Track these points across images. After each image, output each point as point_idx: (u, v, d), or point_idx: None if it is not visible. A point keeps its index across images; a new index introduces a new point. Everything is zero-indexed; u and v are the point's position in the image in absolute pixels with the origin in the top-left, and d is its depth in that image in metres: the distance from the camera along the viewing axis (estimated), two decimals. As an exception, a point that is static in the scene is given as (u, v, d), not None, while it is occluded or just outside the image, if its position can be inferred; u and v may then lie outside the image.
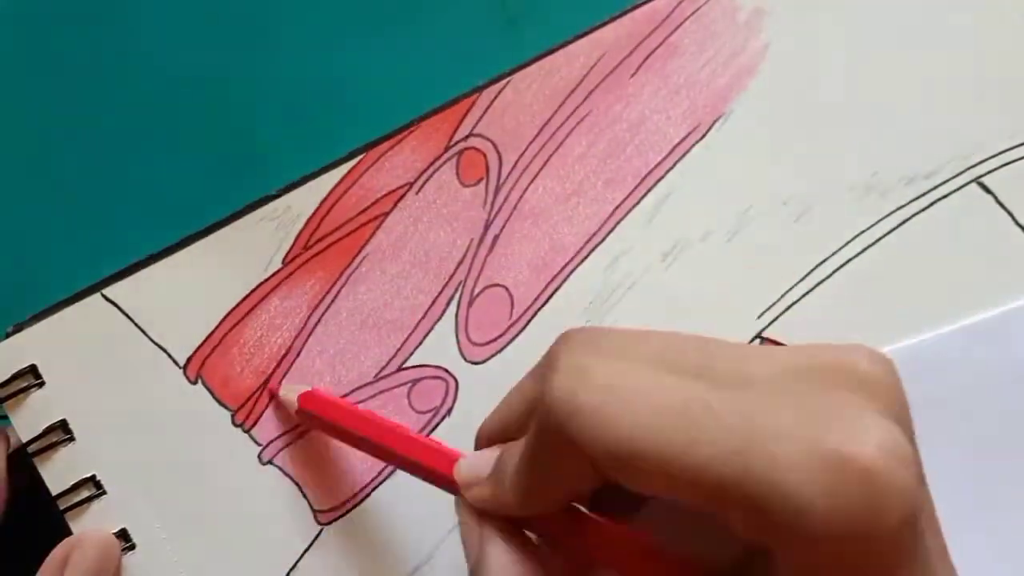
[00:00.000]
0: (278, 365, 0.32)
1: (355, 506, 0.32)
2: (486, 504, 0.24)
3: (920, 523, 0.18)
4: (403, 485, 0.32)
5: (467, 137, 0.32)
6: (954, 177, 0.32)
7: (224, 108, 0.34)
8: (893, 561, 0.18)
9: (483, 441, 0.26)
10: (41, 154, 0.34)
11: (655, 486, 0.19)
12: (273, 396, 0.31)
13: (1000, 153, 0.32)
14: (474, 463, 0.25)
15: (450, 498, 0.31)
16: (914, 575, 0.18)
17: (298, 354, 0.32)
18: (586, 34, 0.32)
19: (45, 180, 0.34)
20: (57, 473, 0.31)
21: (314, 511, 0.32)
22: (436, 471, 0.26)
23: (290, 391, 0.31)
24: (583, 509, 0.23)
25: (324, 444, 0.32)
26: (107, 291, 0.31)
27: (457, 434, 0.32)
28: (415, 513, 0.32)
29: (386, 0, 0.34)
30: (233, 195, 0.31)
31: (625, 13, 0.32)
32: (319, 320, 0.32)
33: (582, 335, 0.22)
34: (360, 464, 0.32)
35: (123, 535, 0.31)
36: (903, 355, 0.31)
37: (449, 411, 0.32)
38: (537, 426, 0.21)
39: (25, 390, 0.31)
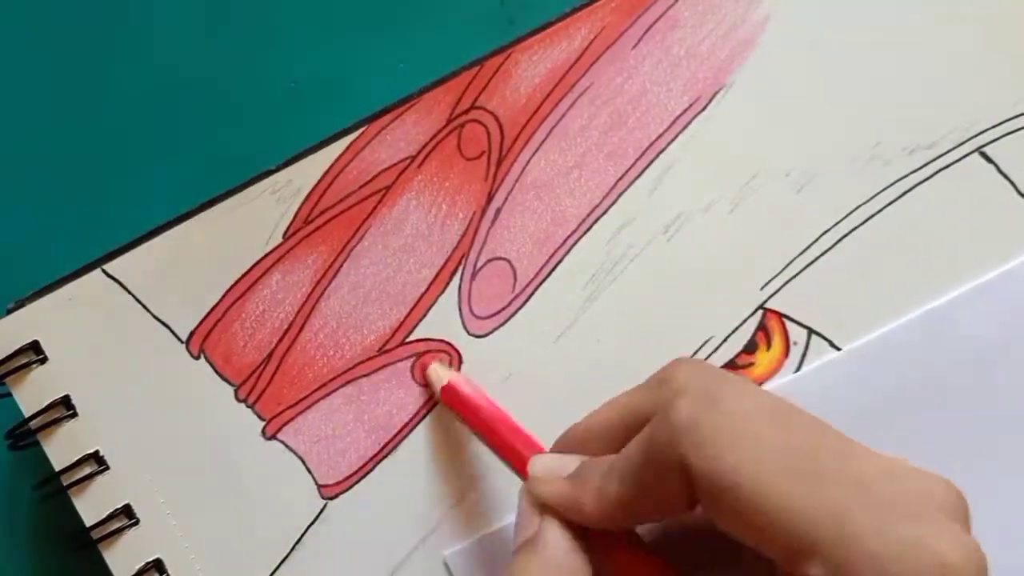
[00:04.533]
0: (281, 340, 0.31)
1: (359, 480, 0.32)
2: (556, 501, 0.25)
3: None
4: (407, 459, 0.32)
5: (468, 110, 0.32)
6: (956, 147, 0.32)
7: (225, 94, 0.34)
8: None
9: (565, 445, 0.27)
10: (42, 130, 0.34)
11: (745, 526, 0.20)
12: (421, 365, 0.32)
13: (1002, 123, 0.32)
14: (551, 463, 0.26)
15: (457, 469, 0.31)
16: None
17: (301, 328, 0.32)
18: (587, 6, 0.32)
19: (46, 156, 0.34)
20: (60, 449, 0.31)
21: (318, 485, 0.32)
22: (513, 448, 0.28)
23: (437, 376, 0.31)
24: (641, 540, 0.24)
25: (328, 418, 0.32)
26: (108, 267, 0.31)
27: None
28: (419, 486, 0.32)
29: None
30: (234, 171, 0.31)
31: (626, -15, 0.32)
32: (322, 294, 0.32)
33: (706, 366, 0.24)
34: (364, 439, 0.32)
35: (127, 510, 0.31)
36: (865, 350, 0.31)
37: (452, 385, 0.32)
38: (648, 441, 0.22)
39: (27, 366, 0.31)
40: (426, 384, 0.32)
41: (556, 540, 0.24)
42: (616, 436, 0.25)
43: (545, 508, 0.25)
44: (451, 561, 0.31)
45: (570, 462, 0.25)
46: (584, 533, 0.24)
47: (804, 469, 0.20)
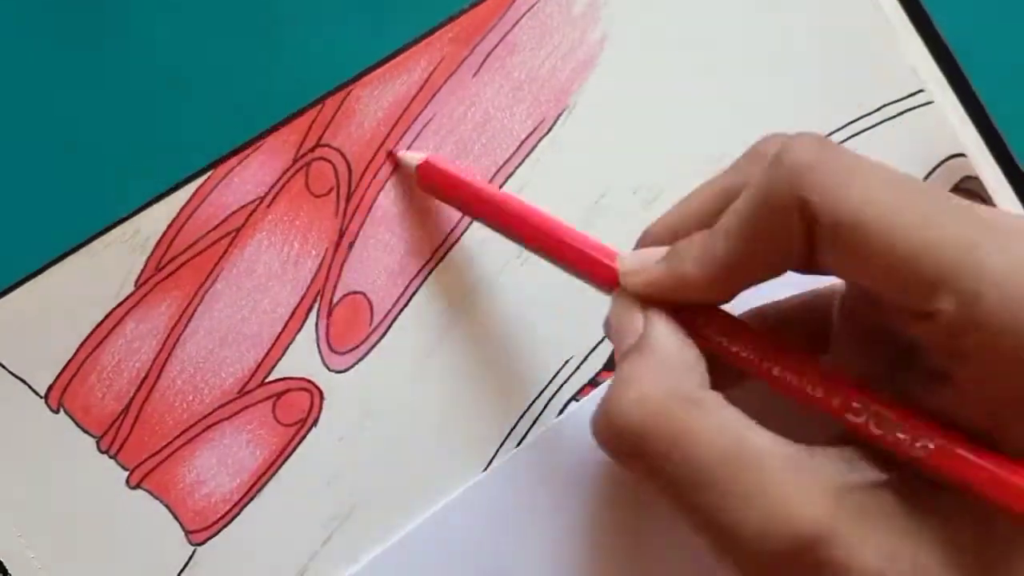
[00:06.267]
0: (139, 389, 0.32)
1: (227, 524, 0.32)
2: (653, 287, 0.23)
3: None
4: (274, 499, 0.32)
5: (314, 148, 0.32)
6: (799, 153, 0.32)
7: (68, 130, 0.34)
8: None
9: (651, 240, 0.25)
10: None
11: (870, 265, 0.19)
12: (393, 160, 0.31)
13: (844, 126, 0.32)
14: (640, 254, 0.24)
15: (325, 505, 0.31)
16: None
17: (158, 376, 0.32)
18: (423, 38, 0.32)
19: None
20: (-77, 512, 0.31)
21: (186, 532, 0.32)
22: (589, 255, 0.26)
23: (409, 158, 0.30)
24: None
25: (192, 464, 0.32)
26: (-37, 327, 0.31)
27: (325, 445, 0.32)
28: (288, 525, 0.32)
29: (236, 16, 0.34)
30: (83, 222, 0.31)
31: (462, 13, 0.32)
32: (177, 340, 0.32)
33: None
34: (229, 482, 0.32)
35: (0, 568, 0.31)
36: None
37: (316, 421, 0.32)
38: (761, 189, 0.21)
39: None
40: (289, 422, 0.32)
41: (666, 336, 0.23)
42: (712, 217, 0.23)
43: (646, 304, 0.23)
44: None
45: (656, 251, 0.24)
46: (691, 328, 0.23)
47: (930, 207, 0.19)
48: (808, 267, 0.21)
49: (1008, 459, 0.19)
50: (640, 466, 0.21)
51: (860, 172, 0.20)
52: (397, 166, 0.31)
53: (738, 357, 0.23)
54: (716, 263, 0.22)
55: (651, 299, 0.23)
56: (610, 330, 0.25)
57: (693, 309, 0.23)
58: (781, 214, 0.20)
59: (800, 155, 0.20)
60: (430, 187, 0.30)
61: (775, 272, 0.22)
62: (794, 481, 0.20)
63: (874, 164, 0.20)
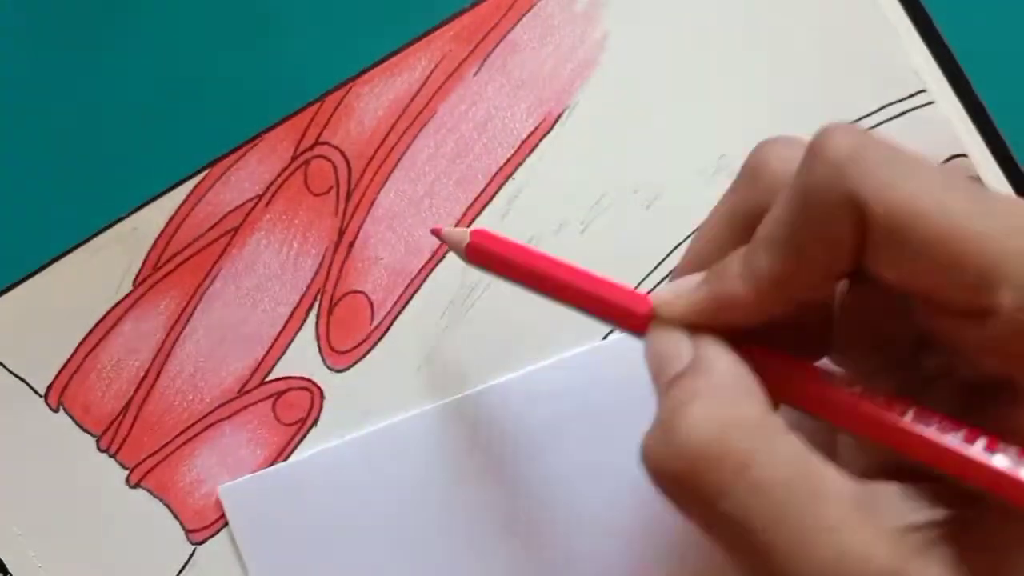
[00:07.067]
0: (138, 388, 0.31)
1: (227, 523, 0.32)
2: (695, 313, 0.21)
3: None
4: (274, 498, 0.32)
5: (313, 146, 0.32)
6: (800, 154, 0.32)
7: (67, 130, 0.33)
8: None
9: (681, 274, 0.23)
10: None
11: (928, 261, 0.18)
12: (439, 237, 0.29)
13: (845, 127, 0.32)
14: (675, 284, 0.22)
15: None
16: None
17: (158, 375, 0.32)
18: (424, 36, 0.32)
19: None
20: (-78, 511, 0.31)
21: (186, 531, 0.32)
22: (619, 305, 0.23)
23: (457, 233, 0.27)
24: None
25: (192, 463, 0.32)
26: (-39, 325, 0.31)
27: (325, 444, 0.32)
28: (287, 525, 0.32)
29: (234, 13, 0.34)
30: (80, 222, 0.31)
31: (463, 12, 0.32)
32: (176, 340, 0.32)
33: None
34: (230, 481, 0.32)
35: (0, 566, 0.31)
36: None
37: (316, 420, 0.32)
38: (801, 190, 0.19)
39: None
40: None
41: (722, 360, 0.20)
42: (737, 235, 0.21)
43: (695, 330, 0.21)
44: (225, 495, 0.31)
45: (693, 278, 0.22)
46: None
47: (979, 195, 0.18)
48: (856, 271, 0.20)
49: None
50: (699, 500, 0.19)
51: (903, 161, 0.19)
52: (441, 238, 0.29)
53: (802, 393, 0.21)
54: (762, 276, 0.20)
55: (695, 328, 0.21)
56: (651, 365, 0.22)
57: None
58: (828, 211, 0.19)
59: (840, 147, 0.19)
60: (479, 260, 0.27)
61: (824, 281, 0.20)
62: (866, 518, 0.18)
63: (910, 152, 0.19)
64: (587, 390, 0.31)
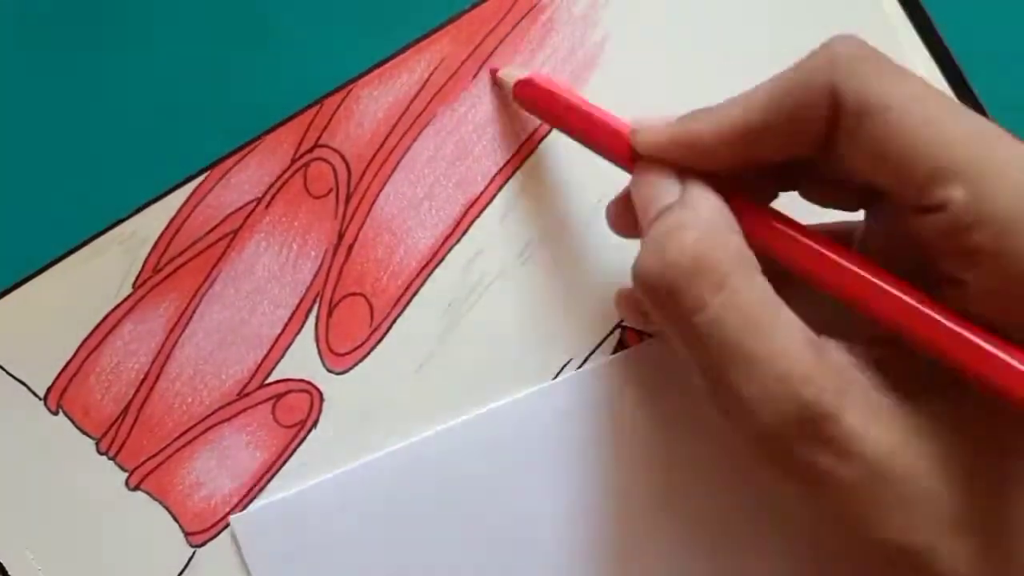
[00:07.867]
0: (137, 390, 0.31)
1: (227, 526, 0.32)
2: (661, 145, 0.23)
3: None
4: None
5: (312, 149, 0.32)
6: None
7: (66, 132, 0.33)
8: None
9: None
10: None
11: (887, 150, 0.20)
12: (494, 76, 0.32)
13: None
14: (654, 116, 0.24)
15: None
16: None
17: (157, 378, 0.32)
18: (424, 38, 0.32)
19: None
20: (-79, 514, 0.31)
21: (186, 533, 0.32)
22: (609, 128, 0.26)
23: (508, 75, 0.30)
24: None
25: (192, 466, 0.32)
26: (-39, 328, 0.31)
27: (325, 446, 0.32)
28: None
29: (234, 15, 0.34)
30: (79, 224, 0.31)
31: (463, 14, 0.32)
32: (176, 342, 0.32)
33: None
34: (229, 484, 0.32)
35: (-1, 570, 0.31)
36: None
37: (315, 423, 0.32)
38: (796, 69, 0.22)
39: None
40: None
41: (708, 198, 0.22)
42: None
43: (684, 172, 0.23)
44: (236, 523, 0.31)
45: (673, 116, 0.24)
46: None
47: (953, 107, 0.20)
48: (818, 155, 0.22)
49: (1012, 345, 0.20)
50: (679, 311, 0.21)
51: (891, 69, 0.21)
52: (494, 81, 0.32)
53: (777, 240, 0.23)
54: (732, 126, 0.22)
55: (681, 172, 0.23)
56: (638, 199, 0.24)
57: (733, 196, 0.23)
58: (810, 93, 0.21)
59: (841, 47, 0.21)
60: (522, 101, 0.30)
61: (786, 152, 0.22)
62: (813, 352, 0.21)
63: (911, 71, 0.21)
64: (583, 413, 0.31)
